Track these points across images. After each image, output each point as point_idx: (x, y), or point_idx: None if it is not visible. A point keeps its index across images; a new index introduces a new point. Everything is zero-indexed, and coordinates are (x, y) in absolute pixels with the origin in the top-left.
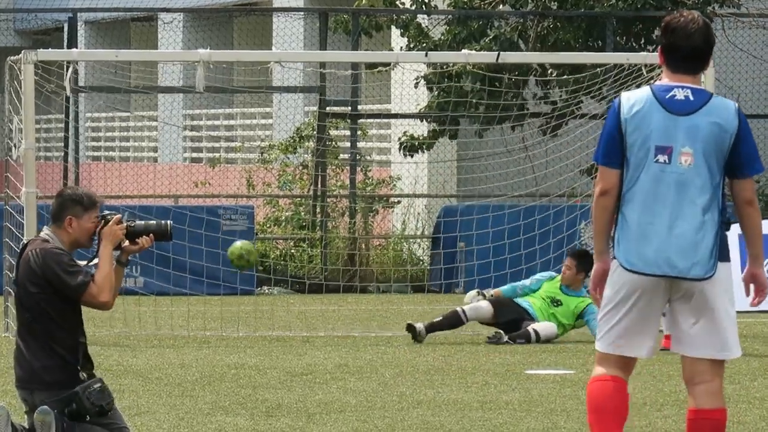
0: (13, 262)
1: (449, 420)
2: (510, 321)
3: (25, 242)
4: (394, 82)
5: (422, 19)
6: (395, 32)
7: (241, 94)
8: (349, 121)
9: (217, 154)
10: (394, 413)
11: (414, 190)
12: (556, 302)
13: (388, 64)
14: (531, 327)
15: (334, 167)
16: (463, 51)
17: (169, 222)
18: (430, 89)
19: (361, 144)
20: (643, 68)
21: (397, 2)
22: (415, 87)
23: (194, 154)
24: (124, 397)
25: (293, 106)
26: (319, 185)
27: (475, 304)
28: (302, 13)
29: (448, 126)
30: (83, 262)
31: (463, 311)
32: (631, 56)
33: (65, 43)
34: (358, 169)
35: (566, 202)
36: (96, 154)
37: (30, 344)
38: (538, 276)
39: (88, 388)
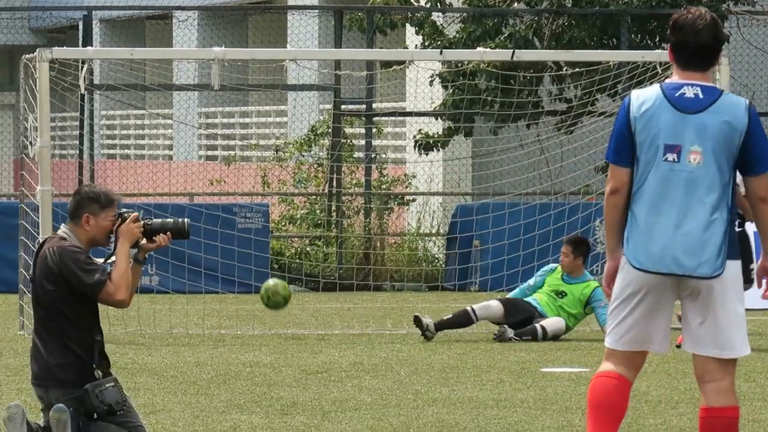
0: (29, 260)
1: (464, 418)
2: (521, 320)
3: (42, 240)
4: (409, 80)
5: (437, 16)
6: (410, 30)
7: (256, 92)
8: (364, 119)
9: (232, 152)
10: (409, 411)
11: (429, 188)
12: (560, 294)
13: (403, 62)
14: (538, 323)
15: (349, 165)
16: (478, 49)
17: (186, 220)
18: (445, 87)
19: (376, 142)
20: (657, 66)
21: (412, 0)
22: (430, 85)
23: (209, 152)
24: (140, 396)
25: (308, 104)
26: (334, 183)
27: (485, 303)
28: (317, 11)
29: (463, 124)
30: (101, 260)
31: (473, 310)
32: (646, 54)
33: (80, 41)
34: (373, 167)
35: (581, 200)
36: (111, 152)
37: (46, 342)
38: (540, 272)
39: (99, 387)
